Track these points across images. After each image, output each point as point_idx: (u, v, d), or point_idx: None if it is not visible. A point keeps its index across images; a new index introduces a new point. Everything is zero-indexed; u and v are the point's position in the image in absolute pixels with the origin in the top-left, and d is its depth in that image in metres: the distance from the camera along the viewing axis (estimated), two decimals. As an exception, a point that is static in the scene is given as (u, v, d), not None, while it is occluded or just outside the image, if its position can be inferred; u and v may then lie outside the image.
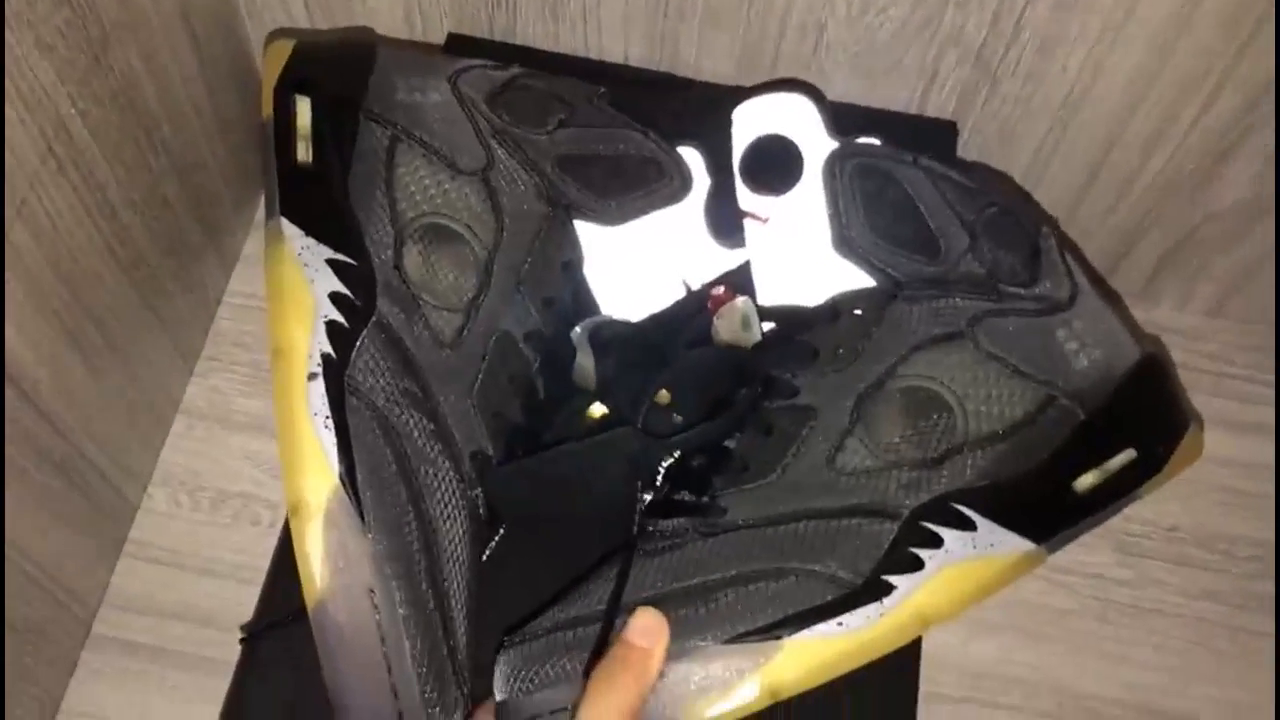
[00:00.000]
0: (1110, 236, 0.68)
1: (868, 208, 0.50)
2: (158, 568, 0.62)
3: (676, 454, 0.49)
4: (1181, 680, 0.63)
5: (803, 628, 0.43)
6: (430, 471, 0.44)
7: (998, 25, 0.57)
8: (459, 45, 0.62)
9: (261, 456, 0.65)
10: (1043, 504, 0.46)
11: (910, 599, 0.44)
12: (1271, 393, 0.70)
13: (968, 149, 0.64)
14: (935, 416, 0.47)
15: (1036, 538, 0.45)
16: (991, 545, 0.45)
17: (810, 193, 0.51)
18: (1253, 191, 0.63)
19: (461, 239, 0.47)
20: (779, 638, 0.43)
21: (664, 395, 0.52)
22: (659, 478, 0.49)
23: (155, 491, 0.64)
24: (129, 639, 0.60)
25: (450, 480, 0.45)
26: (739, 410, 0.49)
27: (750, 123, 0.52)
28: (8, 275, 0.47)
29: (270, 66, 0.49)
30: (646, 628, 0.42)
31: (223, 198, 0.67)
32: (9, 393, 0.49)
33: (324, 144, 0.46)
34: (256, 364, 0.67)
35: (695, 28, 0.60)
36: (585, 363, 0.51)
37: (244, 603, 0.54)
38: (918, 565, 0.44)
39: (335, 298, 0.44)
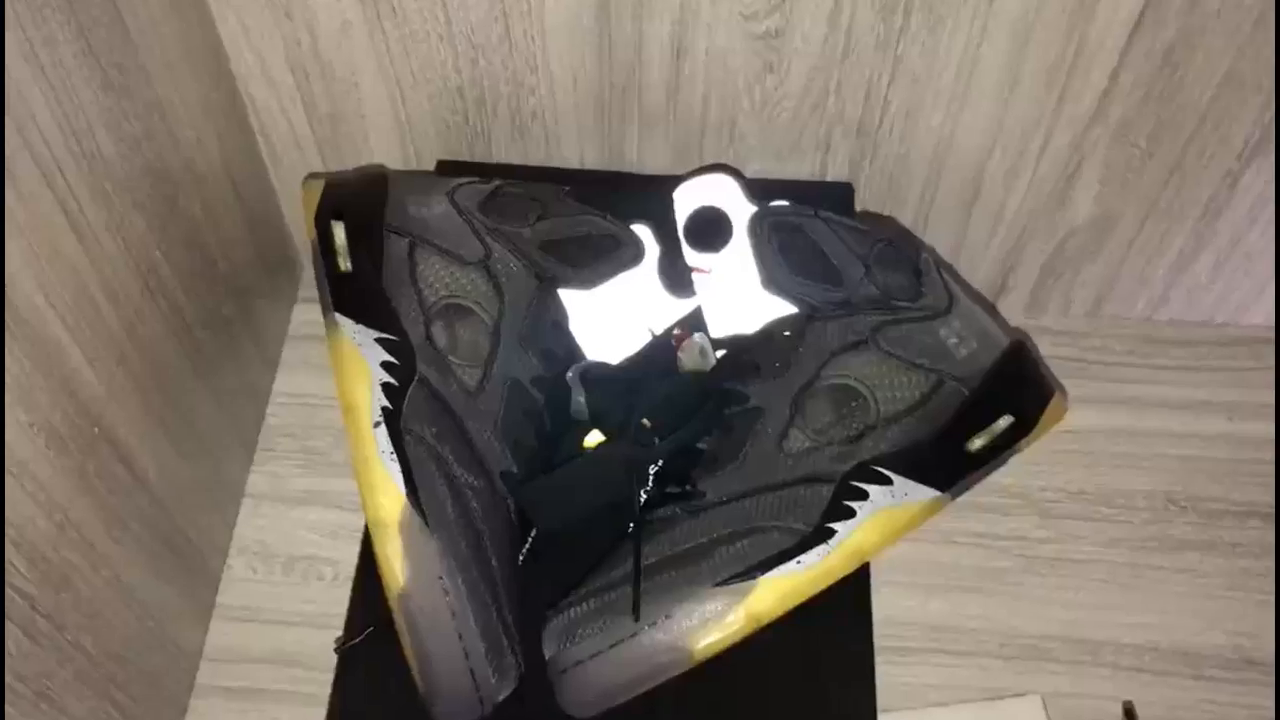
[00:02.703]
0: (995, 258, 0.83)
1: (784, 253, 0.64)
2: (244, 625, 0.74)
3: (661, 460, 0.63)
4: (1100, 612, 0.75)
5: (772, 568, 0.56)
6: (471, 489, 0.57)
7: (870, 102, 0.72)
8: (448, 168, 0.77)
9: (319, 524, 0.77)
10: (942, 462, 0.59)
11: (849, 539, 0.57)
12: (1145, 373, 0.84)
13: (865, 202, 0.78)
14: (853, 404, 0.60)
15: (941, 486, 0.59)
16: (906, 494, 0.58)
17: (740, 247, 0.65)
18: (1099, 208, 0.77)
19: (474, 313, 0.61)
20: (755, 577, 0.56)
21: (645, 422, 0.65)
22: (649, 478, 0.62)
23: (234, 561, 0.76)
24: (228, 685, 0.72)
25: (486, 494, 0.58)
26: (705, 418, 0.63)
27: (687, 199, 0.67)
28: (122, 380, 0.61)
29: (309, 201, 0.63)
30: None
31: (264, 311, 0.81)
32: (127, 474, 0.62)
33: (360, 255, 0.60)
34: (305, 449, 0.80)
35: (635, 133, 0.75)
36: (579, 399, 0.65)
37: (323, 643, 0.64)
38: (851, 514, 0.57)
39: (386, 365, 0.58)
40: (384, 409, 0.56)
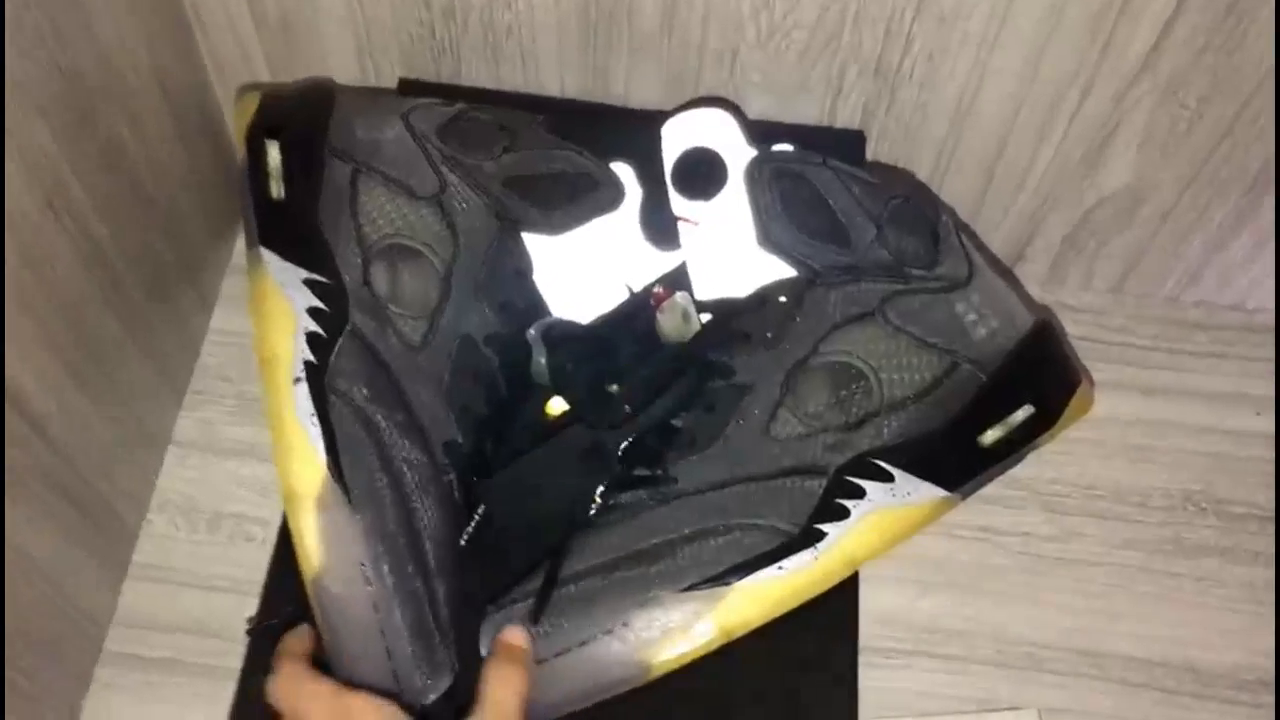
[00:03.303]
0: (1014, 224, 0.75)
1: (785, 206, 0.57)
2: (162, 586, 0.67)
3: (631, 437, 0.55)
4: (1106, 620, 0.68)
5: (749, 573, 0.49)
6: (407, 462, 0.50)
7: (890, 39, 0.64)
8: (410, 88, 0.68)
9: (251, 479, 0.70)
10: (952, 456, 0.52)
11: (840, 543, 0.50)
12: (1169, 358, 0.77)
13: (876, 154, 0.70)
14: (854, 386, 0.53)
15: (949, 486, 0.51)
16: (909, 494, 0.51)
17: (735, 196, 0.57)
18: (1134, 175, 0.70)
19: (422, 256, 0.53)
20: (728, 584, 0.49)
21: (614, 388, 0.58)
22: (616, 460, 0.55)
23: (154, 517, 0.68)
24: (139, 653, 0.65)
25: (425, 468, 0.50)
26: (683, 391, 0.55)
27: (677, 137, 0.58)
28: (18, 316, 0.53)
29: (240, 116, 0.55)
30: (514, 633, 0.49)
31: (201, 244, 0.73)
32: (21, 423, 0.54)
33: (295, 180, 0.52)
34: (241, 395, 0.72)
35: (623, 60, 0.67)
36: (540, 360, 0.57)
37: (246, 613, 0.58)
38: (845, 514, 0.50)
39: (313, 312, 0.50)
40: (307, 363, 0.49)
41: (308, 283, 0.50)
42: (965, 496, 0.53)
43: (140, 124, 0.62)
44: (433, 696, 0.48)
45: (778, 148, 0.58)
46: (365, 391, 0.49)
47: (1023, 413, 0.53)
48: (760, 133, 0.63)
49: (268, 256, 0.50)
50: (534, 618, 0.49)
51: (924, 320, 0.54)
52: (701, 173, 0.58)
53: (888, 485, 0.51)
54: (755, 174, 0.57)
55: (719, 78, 0.67)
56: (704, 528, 0.50)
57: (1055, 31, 0.61)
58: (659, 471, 0.53)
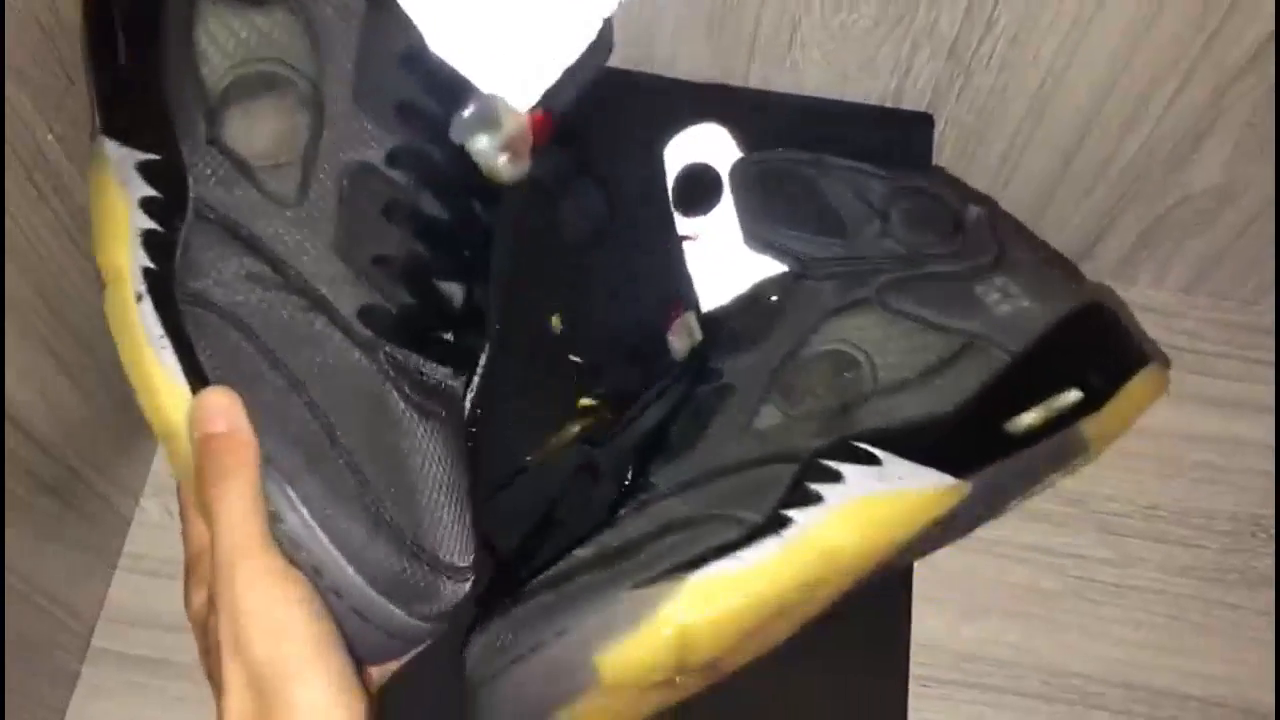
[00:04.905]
0: (1087, 219, 0.68)
1: (766, 200, 0.51)
2: (153, 579, 0.62)
3: (630, 467, 0.49)
4: (1163, 655, 0.64)
5: (703, 566, 0.43)
6: (312, 350, 0.39)
7: (970, 19, 0.57)
8: None
9: (252, 465, 0.65)
10: (963, 441, 0.46)
11: (811, 532, 0.44)
12: (1245, 368, 0.71)
13: (944, 139, 0.64)
14: (845, 374, 0.47)
15: (956, 472, 0.45)
16: (901, 479, 0.45)
17: (727, 205, 0.52)
18: (1225, 176, 0.63)
19: (279, 79, 0.41)
20: (681, 578, 0.43)
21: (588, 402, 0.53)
22: (611, 476, 0.49)
23: (147, 504, 0.64)
24: (128, 651, 0.60)
25: (345, 351, 0.40)
26: (673, 401, 0.50)
27: (677, 156, 0.53)
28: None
29: None
30: (215, 406, 0.38)
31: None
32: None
33: (138, 35, 0.42)
34: (243, 372, 0.67)
35: (670, 24, 0.60)
36: (485, 147, 0.43)
37: None
38: (816, 499, 0.44)
39: (146, 204, 0.40)
40: (147, 271, 0.39)
41: (140, 167, 0.40)
42: (979, 486, 0.46)
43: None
44: (441, 608, 0.40)
45: (764, 151, 0.53)
46: (229, 285, 0.39)
47: (1066, 396, 0.47)
48: (817, 111, 0.57)
49: (110, 148, 0.41)
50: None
51: (931, 303, 0.49)
52: (701, 189, 0.53)
53: (872, 469, 0.45)
54: (739, 175, 0.52)
55: (775, 49, 0.61)
56: (668, 523, 0.45)
57: (1158, 16, 0.55)
58: (641, 480, 0.48)
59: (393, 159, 0.41)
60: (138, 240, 0.39)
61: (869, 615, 0.50)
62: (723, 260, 0.52)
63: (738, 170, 0.52)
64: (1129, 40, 0.56)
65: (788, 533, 0.43)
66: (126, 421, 0.61)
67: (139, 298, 0.39)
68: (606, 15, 0.45)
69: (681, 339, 0.53)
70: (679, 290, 0.53)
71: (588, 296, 0.57)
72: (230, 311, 0.39)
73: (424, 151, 0.42)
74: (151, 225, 0.39)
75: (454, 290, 0.43)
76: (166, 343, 0.38)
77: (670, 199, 0.53)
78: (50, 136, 0.50)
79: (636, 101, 0.60)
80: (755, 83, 0.63)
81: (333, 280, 0.40)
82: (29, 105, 0.48)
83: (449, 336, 0.43)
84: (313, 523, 0.37)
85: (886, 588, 0.50)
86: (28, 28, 0.47)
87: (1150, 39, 0.56)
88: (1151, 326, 0.72)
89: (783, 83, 0.62)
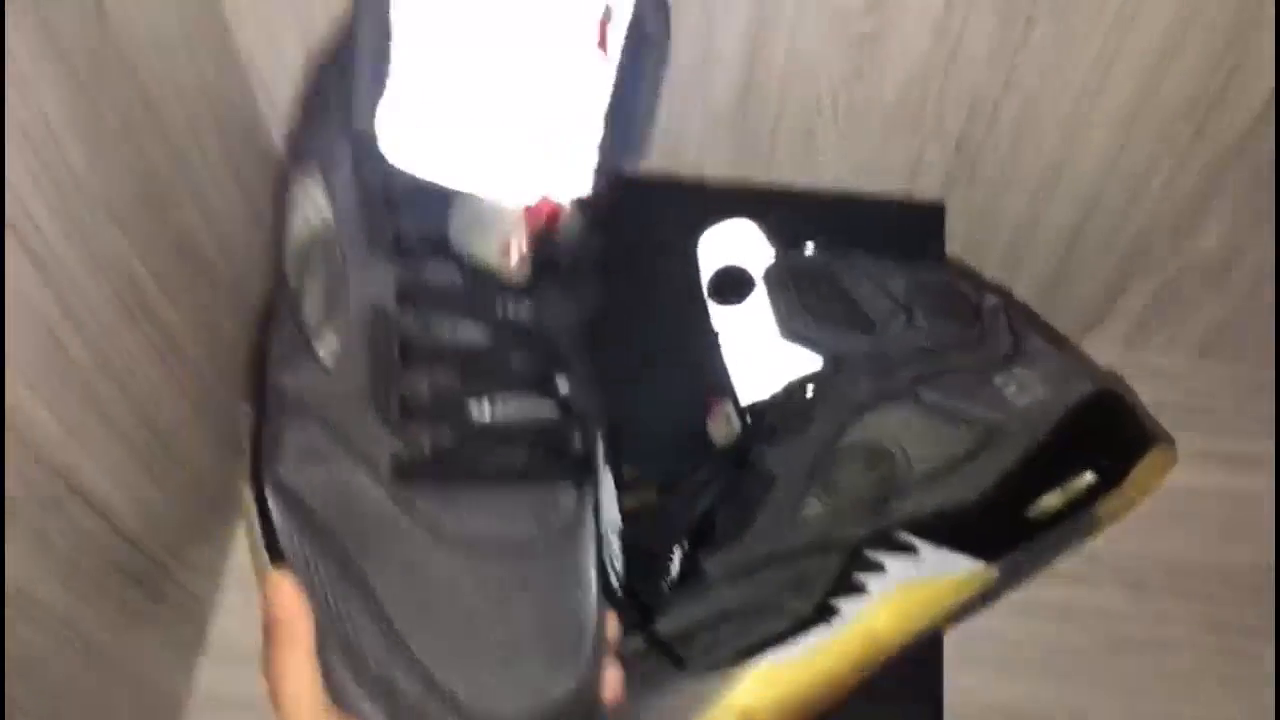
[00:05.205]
0: (1095, 288, 0.72)
1: (802, 298, 0.55)
2: (238, 668, 0.67)
3: (681, 551, 0.54)
4: (1190, 707, 0.66)
5: (763, 654, 0.48)
6: (360, 521, 0.41)
7: (974, 117, 0.61)
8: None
9: (322, 552, 0.69)
10: (989, 527, 0.51)
11: (857, 620, 0.48)
12: (1260, 426, 0.74)
13: (955, 225, 0.68)
14: (880, 466, 0.51)
15: (985, 556, 0.50)
16: (936, 565, 0.49)
17: (762, 298, 0.56)
18: (1227, 246, 0.67)
19: (319, 231, 0.43)
20: (741, 666, 0.47)
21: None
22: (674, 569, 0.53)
23: (229, 594, 0.69)
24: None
25: (385, 507, 0.41)
26: (719, 489, 0.54)
27: (712, 250, 0.57)
28: (94, 423, 0.53)
29: None
30: (276, 593, 0.42)
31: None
32: (97, 524, 0.54)
33: None
34: (311, 466, 0.72)
35: (696, 129, 0.65)
36: (483, 250, 0.42)
37: None
38: (861, 589, 0.49)
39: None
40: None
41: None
42: (1014, 575, 0.50)
43: (211, 209, 0.62)
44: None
45: (795, 250, 0.57)
46: (291, 462, 0.42)
47: (1083, 479, 0.51)
48: (834, 209, 0.61)
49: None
50: None
51: (957, 396, 0.52)
52: (733, 281, 0.57)
53: (911, 558, 0.49)
54: (773, 275, 0.56)
55: (793, 152, 0.65)
56: (722, 611, 0.49)
57: (1149, 109, 0.59)
58: (691, 564, 0.52)
59: (402, 295, 0.41)
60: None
61: (902, 675, 0.54)
62: (758, 354, 0.56)
63: (770, 270, 0.56)
64: (1123, 130, 0.61)
65: (837, 621, 0.48)
66: (206, 516, 0.66)
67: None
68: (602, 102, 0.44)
69: (720, 428, 0.57)
70: (717, 381, 0.57)
71: (631, 388, 0.61)
72: (293, 492, 0.42)
73: (430, 278, 0.42)
74: None
75: (508, 405, 0.43)
76: (256, 518, 0.44)
77: (705, 291, 0.57)
78: (143, 267, 0.55)
79: (669, 203, 0.64)
80: (777, 180, 0.67)
81: (370, 435, 0.41)
82: (125, 242, 0.53)
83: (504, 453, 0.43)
84: (361, 689, 0.40)
85: (919, 648, 0.54)
86: (125, 175, 0.53)
87: (1141, 129, 0.60)
88: (1167, 390, 0.75)
89: (802, 180, 0.67)
